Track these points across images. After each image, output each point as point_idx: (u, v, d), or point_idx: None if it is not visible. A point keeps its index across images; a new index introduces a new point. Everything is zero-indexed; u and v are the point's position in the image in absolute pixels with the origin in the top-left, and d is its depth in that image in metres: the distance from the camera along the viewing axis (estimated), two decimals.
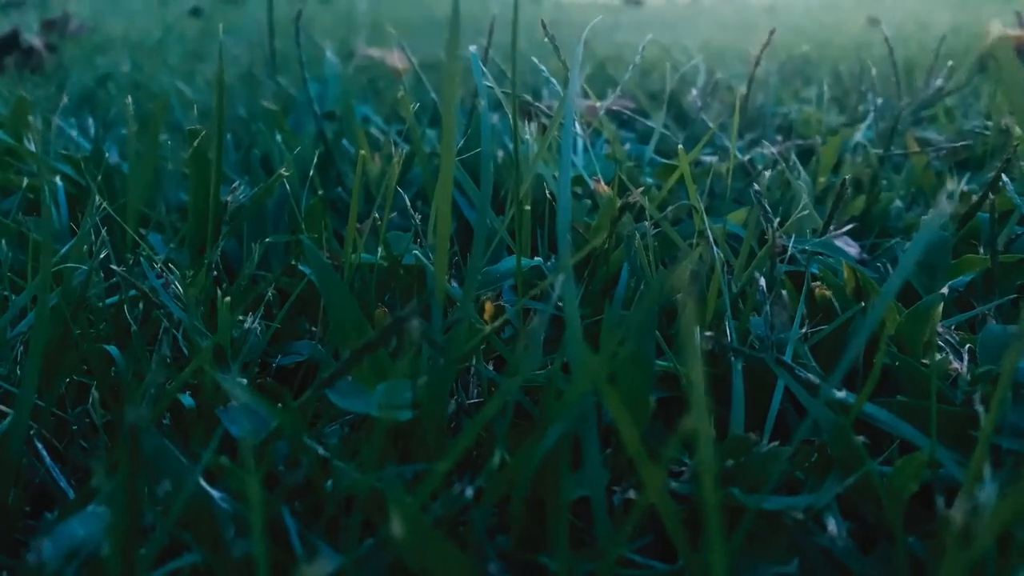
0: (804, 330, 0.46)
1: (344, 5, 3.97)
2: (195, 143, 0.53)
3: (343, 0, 4.78)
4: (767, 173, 0.78)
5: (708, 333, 0.37)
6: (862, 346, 0.49)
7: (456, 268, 0.64)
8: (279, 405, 0.36)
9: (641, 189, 0.52)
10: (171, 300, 0.42)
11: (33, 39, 1.62)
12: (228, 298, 0.40)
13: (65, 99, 1.15)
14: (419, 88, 1.43)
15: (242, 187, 0.57)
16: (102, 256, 0.46)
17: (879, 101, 1.25)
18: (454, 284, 0.59)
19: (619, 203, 0.51)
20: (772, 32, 0.78)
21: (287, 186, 0.62)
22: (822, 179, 0.75)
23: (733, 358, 0.40)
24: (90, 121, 0.97)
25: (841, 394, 0.37)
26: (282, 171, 0.53)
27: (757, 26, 2.47)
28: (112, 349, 0.40)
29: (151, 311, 0.45)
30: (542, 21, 0.77)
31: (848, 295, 0.50)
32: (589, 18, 2.91)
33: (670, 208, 0.62)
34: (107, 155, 0.88)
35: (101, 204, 0.63)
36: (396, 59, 1.72)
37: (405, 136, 1.02)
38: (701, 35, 2.27)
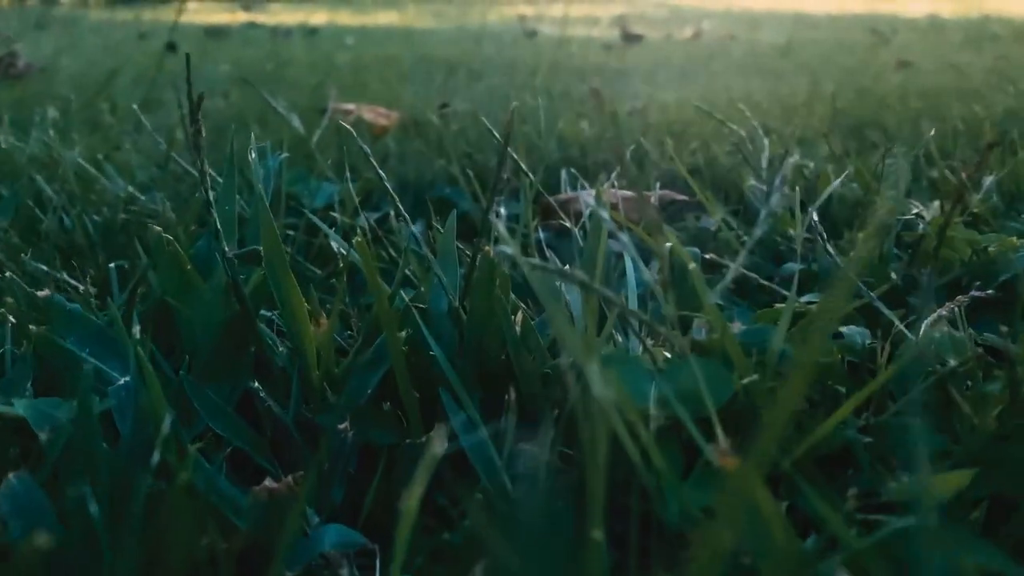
0: None
1: (329, 42, 3.68)
2: None
3: (329, 33, 4.50)
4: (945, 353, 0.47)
5: None
6: None
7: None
8: None
9: None
10: None
11: None
12: None
13: None
14: (404, 155, 1.13)
15: None
16: None
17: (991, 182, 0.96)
18: None
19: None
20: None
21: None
22: None
23: None
24: None
25: None
26: (42, 539, 0.22)
27: (780, 72, 2.19)
28: None
29: None
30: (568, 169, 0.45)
31: None
32: (589, 58, 2.62)
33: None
34: None
35: None
36: (376, 114, 1.42)
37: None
38: (720, 82, 1.98)
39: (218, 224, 0.49)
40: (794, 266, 0.73)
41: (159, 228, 0.52)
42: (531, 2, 10.15)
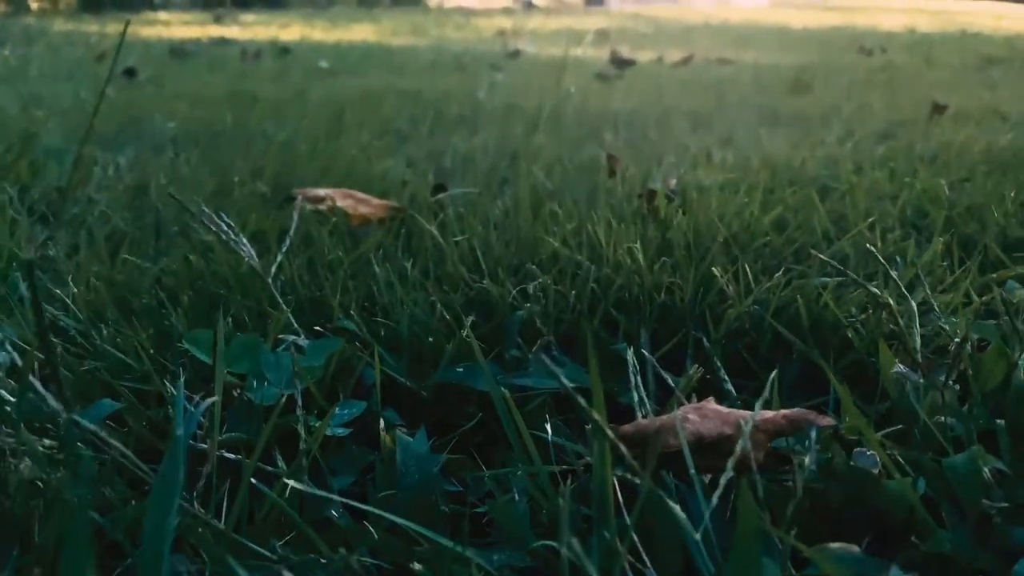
0: None
1: (302, 67, 3.35)
2: None
3: (302, 52, 4.17)
4: None
5: None
6: None
7: None
8: None
9: None
10: None
11: None
12: None
13: None
14: (392, 284, 0.83)
15: None
16: None
17: None
18: None
19: None
20: None
21: None
22: None
23: None
24: None
25: None
26: None
27: (806, 118, 1.91)
28: None
29: None
30: None
31: None
32: (589, 96, 2.33)
33: None
34: None
35: None
36: (355, 201, 1.12)
37: None
38: (748, 136, 1.70)
39: None
40: None
41: None
42: (507, 14, 9.85)
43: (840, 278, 0.79)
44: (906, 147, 1.51)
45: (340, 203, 1.09)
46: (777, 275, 0.80)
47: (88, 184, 1.26)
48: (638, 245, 0.83)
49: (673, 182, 1.19)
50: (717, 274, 0.78)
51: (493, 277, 0.84)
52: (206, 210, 0.78)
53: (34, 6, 11.51)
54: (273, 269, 0.77)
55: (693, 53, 3.81)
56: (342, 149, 1.40)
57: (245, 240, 0.77)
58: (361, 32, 6.18)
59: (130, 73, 3.11)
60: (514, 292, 0.80)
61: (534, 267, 0.87)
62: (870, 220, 0.97)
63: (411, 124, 1.81)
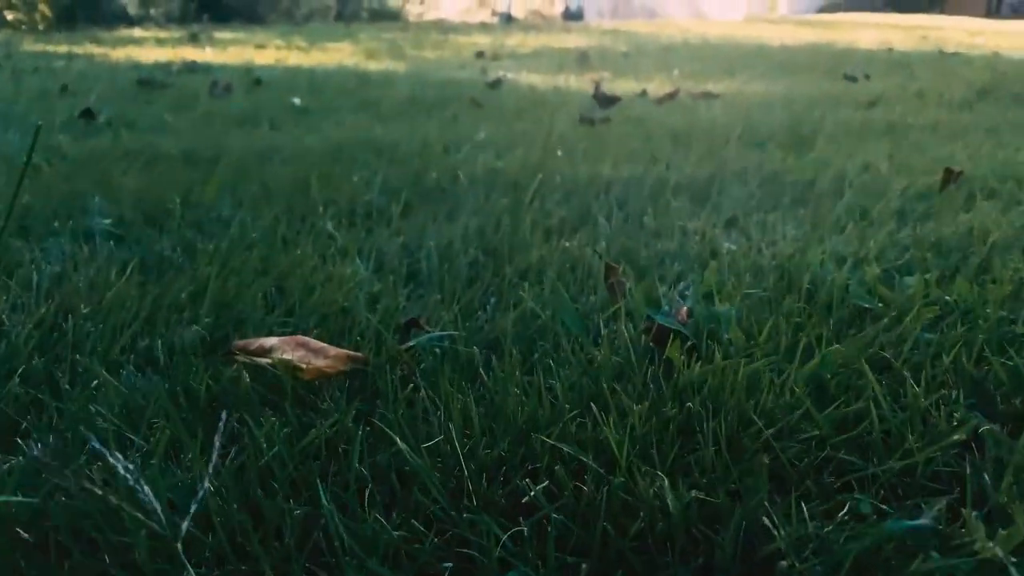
0: None
1: (272, 106, 3.12)
2: None
3: (275, 83, 3.95)
4: None
5: None
6: None
7: None
8: None
9: None
10: None
11: None
12: None
13: None
14: (346, 508, 0.63)
15: None
16: None
17: None
18: None
19: None
20: None
21: None
22: None
23: None
24: None
25: None
26: None
27: (818, 194, 1.73)
28: None
29: None
30: None
31: None
32: (576, 151, 2.14)
33: None
34: None
35: None
36: (307, 351, 0.92)
37: None
38: (743, 208, 1.51)
39: None
40: None
41: None
42: (486, 29, 9.64)
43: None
44: (931, 239, 1.33)
45: (291, 355, 0.89)
46: (841, 514, 0.60)
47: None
48: (661, 475, 0.64)
49: (684, 310, 1.00)
50: (767, 524, 0.59)
51: (476, 491, 0.65)
52: (100, 447, 0.58)
53: (10, 17, 11.15)
54: (185, 525, 0.57)
55: (677, 88, 3.63)
56: (300, 258, 1.19)
57: (149, 491, 0.56)
58: (338, 54, 5.95)
59: (88, 114, 2.88)
60: (503, 539, 0.60)
61: (527, 481, 0.68)
62: (926, 391, 0.78)
63: (384, 197, 1.61)
